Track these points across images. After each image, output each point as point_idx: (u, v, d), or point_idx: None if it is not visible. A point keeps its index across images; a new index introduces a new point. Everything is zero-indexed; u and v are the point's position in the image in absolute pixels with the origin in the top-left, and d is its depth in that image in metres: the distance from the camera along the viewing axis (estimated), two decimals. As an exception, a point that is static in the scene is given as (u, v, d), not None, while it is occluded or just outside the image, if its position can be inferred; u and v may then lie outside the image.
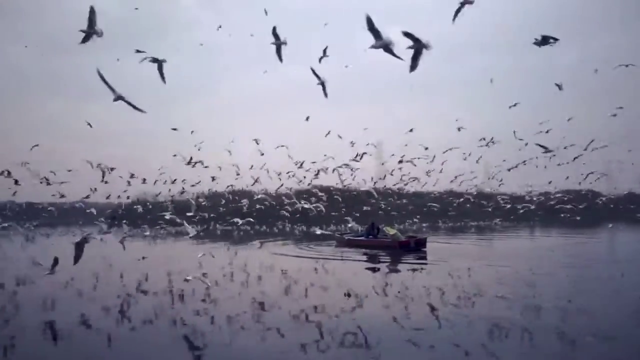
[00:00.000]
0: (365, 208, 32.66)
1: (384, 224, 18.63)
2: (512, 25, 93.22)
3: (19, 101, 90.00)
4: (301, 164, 20.84)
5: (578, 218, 29.43)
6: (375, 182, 31.00)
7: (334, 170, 20.19)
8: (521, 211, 28.21)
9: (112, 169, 16.51)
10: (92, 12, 5.19)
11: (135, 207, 35.46)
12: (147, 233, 24.30)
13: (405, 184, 24.12)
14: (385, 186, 33.81)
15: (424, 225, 33.51)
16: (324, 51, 9.34)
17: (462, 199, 34.86)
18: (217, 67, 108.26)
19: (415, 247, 15.55)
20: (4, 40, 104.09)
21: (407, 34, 4.90)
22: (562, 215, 27.51)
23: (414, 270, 11.56)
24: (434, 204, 34.47)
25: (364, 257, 14.38)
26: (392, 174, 25.27)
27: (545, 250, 15.31)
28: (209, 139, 21.80)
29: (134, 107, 5.49)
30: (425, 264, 12.75)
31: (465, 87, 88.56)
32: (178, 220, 14.30)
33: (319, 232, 18.15)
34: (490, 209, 35.80)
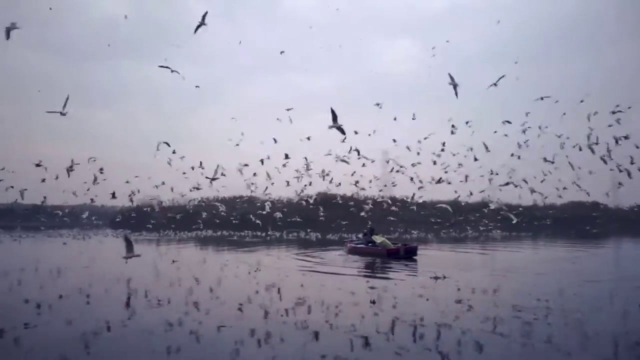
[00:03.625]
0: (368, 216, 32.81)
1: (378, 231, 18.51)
2: (522, 37, 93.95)
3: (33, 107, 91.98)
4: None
5: (588, 228, 29.17)
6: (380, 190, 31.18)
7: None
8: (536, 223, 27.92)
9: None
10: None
11: (144, 209, 36.00)
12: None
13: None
14: (387, 195, 33.93)
15: (429, 235, 33.48)
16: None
17: (467, 209, 34.91)
18: (227, 74, 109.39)
19: (405, 256, 15.33)
20: (25, 48, 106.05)
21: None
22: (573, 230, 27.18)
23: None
24: (439, 213, 34.55)
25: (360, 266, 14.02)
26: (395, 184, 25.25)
27: (544, 262, 15.09)
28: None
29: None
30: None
31: (474, 97, 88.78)
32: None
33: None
34: (494, 219, 35.78)
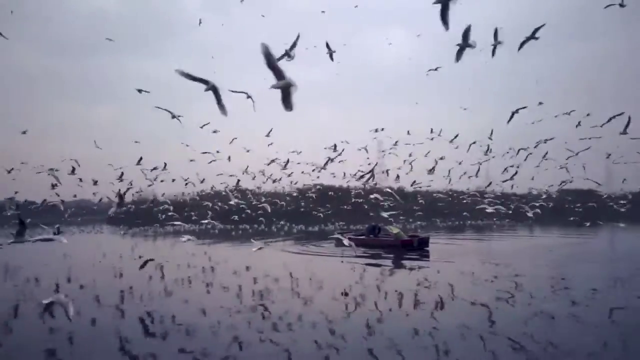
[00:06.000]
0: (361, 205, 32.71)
1: (382, 223, 18.37)
2: (512, 27, 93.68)
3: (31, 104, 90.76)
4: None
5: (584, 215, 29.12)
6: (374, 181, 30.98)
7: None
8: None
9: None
10: None
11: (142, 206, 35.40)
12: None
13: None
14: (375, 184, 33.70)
15: (422, 224, 33.52)
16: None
17: (461, 198, 34.91)
18: (221, 68, 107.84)
19: (418, 246, 15.69)
20: (14, 44, 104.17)
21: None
22: (572, 218, 27.19)
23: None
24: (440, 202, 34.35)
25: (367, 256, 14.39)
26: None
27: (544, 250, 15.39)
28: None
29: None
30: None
31: (466, 88, 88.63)
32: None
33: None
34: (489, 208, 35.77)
